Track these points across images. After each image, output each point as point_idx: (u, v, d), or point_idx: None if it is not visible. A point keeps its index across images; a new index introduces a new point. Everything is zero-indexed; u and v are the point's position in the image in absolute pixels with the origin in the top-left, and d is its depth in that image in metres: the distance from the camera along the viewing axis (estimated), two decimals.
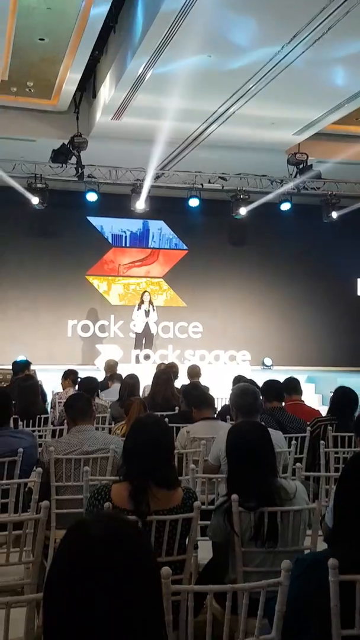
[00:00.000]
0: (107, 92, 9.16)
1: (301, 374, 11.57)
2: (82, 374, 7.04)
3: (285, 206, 12.33)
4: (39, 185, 11.32)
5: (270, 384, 4.68)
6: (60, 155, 10.10)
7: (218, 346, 13.11)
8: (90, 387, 5.61)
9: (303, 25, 6.70)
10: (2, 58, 8.17)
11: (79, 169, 10.44)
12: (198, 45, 7.19)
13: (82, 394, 4.11)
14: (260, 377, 5.85)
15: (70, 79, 8.91)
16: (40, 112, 9.97)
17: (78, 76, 8.89)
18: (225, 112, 9.27)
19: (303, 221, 13.10)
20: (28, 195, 11.27)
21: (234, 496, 2.41)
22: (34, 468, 3.38)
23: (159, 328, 13.15)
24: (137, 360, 11.46)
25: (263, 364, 12.91)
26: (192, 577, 2.77)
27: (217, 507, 2.55)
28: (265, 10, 6.55)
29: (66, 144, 9.99)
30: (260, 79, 8.12)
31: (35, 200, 11.37)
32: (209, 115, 9.44)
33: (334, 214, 12.33)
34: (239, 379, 6.08)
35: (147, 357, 11.47)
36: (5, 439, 3.62)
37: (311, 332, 13.80)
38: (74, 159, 10.19)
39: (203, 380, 8.15)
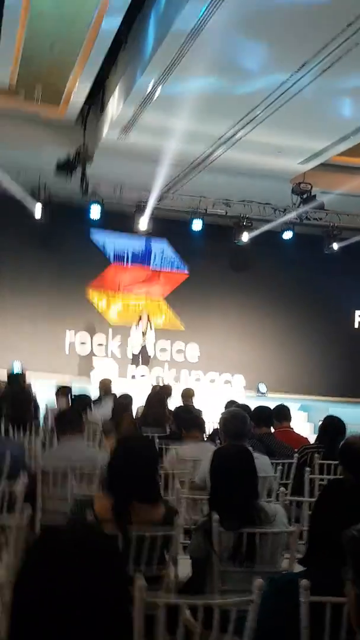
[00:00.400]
0: (115, 107, 9.21)
1: (294, 402, 11.56)
2: (78, 385, 6.97)
3: (287, 235, 12.39)
4: (42, 197, 11.34)
5: (261, 410, 4.71)
6: (65, 168, 10.14)
7: (214, 369, 13.07)
8: (83, 404, 5.54)
9: (313, 54, 6.75)
10: (12, 62, 8.18)
11: (84, 182, 10.47)
12: (207, 67, 7.24)
13: (72, 407, 4.06)
14: (253, 404, 5.81)
15: (79, 89, 8.95)
16: (47, 123, 9.99)
17: (87, 86, 8.93)
18: (232, 137, 9.32)
19: (304, 251, 13.14)
20: (30, 205, 11.29)
21: (215, 516, 2.38)
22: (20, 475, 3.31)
23: (155, 349, 13.10)
24: (133, 377, 11.42)
25: (258, 390, 12.84)
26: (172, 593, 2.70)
27: (198, 526, 2.52)
28: (276, 37, 6.62)
29: (71, 156, 10.02)
30: (268, 106, 8.18)
31: (37, 211, 11.38)
32: (215, 139, 9.49)
33: (335, 245, 12.38)
34: (231, 404, 6.04)
35: (142, 375, 11.41)
36: None
37: (307, 361, 13.76)
38: (79, 172, 10.21)
39: (196, 403, 8.11)
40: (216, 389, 11.90)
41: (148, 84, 7.92)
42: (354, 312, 14.27)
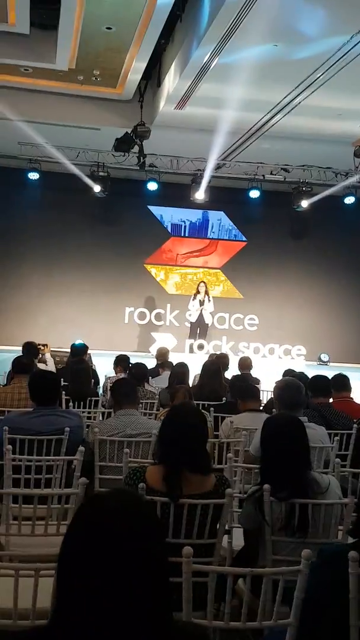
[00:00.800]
0: (171, 81, 9.19)
1: (358, 372, 11.42)
2: (137, 360, 7.15)
3: (350, 199, 12.06)
4: (101, 174, 11.51)
5: (318, 380, 4.65)
6: (123, 144, 10.22)
7: (273, 340, 13.01)
8: (139, 373, 5.71)
9: None
10: (70, 47, 8.32)
11: (141, 158, 10.55)
12: (264, 35, 7.12)
13: (128, 380, 4.22)
14: (314, 373, 5.76)
15: (135, 68, 9.00)
16: (105, 101, 10.12)
17: (143, 65, 8.97)
18: (290, 102, 9.13)
19: None
20: (90, 183, 11.48)
21: (266, 486, 2.44)
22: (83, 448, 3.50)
23: (214, 319, 13.18)
24: (191, 350, 11.53)
25: (319, 360, 12.72)
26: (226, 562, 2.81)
27: (249, 495, 2.59)
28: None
29: (129, 132, 10.10)
30: (327, 70, 7.96)
31: (97, 188, 11.58)
32: (273, 106, 9.33)
33: None
34: (288, 373, 6.04)
35: (200, 347, 11.52)
36: (53, 417, 3.75)
37: None
38: (136, 148, 10.30)
39: (255, 373, 8.16)
40: (275, 360, 11.88)
41: (204, 56, 7.85)
42: None
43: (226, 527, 2.97)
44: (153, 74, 10.09)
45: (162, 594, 1.10)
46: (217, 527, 2.51)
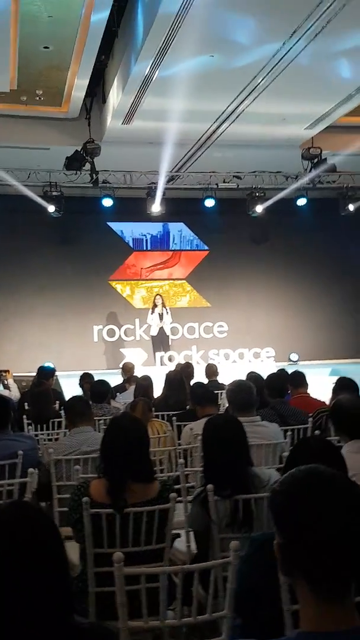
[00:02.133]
0: (115, 96, 9.26)
1: (325, 367, 11.56)
2: (107, 378, 7.10)
3: (302, 201, 12.27)
4: (54, 193, 11.50)
5: (273, 378, 4.70)
6: (74, 162, 10.24)
7: (243, 344, 13.09)
8: (100, 390, 5.67)
9: (301, 20, 6.68)
10: (9, 67, 8.33)
11: (94, 175, 10.57)
12: (200, 46, 7.23)
13: (81, 397, 4.19)
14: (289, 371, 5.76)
15: (78, 85, 9.04)
16: (51, 120, 10.13)
17: (85, 82, 9.02)
18: (234, 110, 9.28)
19: (320, 215, 13.00)
20: (44, 203, 11.46)
21: (209, 486, 2.47)
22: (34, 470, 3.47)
23: (184, 329, 13.21)
24: (162, 363, 11.53)
25: (289, 360, 12.84)
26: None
27: (194, 497, 2.61)
28: (261, 8, 6.57)
29: (79, 150, 10.13)
30: (265, 76, 8.11)
31: (51, 208, 11.56)
32: (218, 115, 9.46)
33: (351, 207, 12.22)
34: (251, 375, 6.07)
35: (170, 358, 11.53)
36: (4, 442, 3.70)
37: (335, 325, 13.68)
38: (88, 166, 10.32)
39: (225, 379, 8.19)
40: (245, 364, 11.94)
41: (144, 70, 7.94)
42: None
43: (183, 531, 2.99)
44: (97, 91, 10.16)
45: (59, 596, 1.11)
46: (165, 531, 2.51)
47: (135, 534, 2.45)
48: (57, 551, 1.15)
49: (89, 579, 2.44)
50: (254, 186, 12.15)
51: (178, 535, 2.93)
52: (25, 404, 6.13)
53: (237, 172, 11.96)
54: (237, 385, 3.81)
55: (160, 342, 11.98)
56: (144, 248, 13.80)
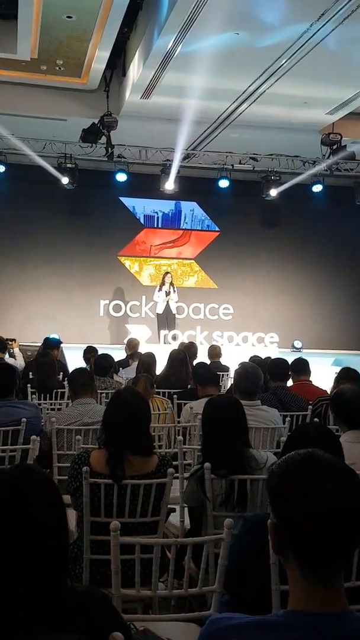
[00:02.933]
0: (135, 70, 9.17)
1: (329, 357, 11.58)
2: (111, 353, 7.14)
3: (317, 188, 12.16)
4: (68, 165, 11.43)
5: (276, 364, 4.74)
6: (90, 135, 10.17)
7: (248, 328, 13.14)
8: (104, 364, 5.71)
9: (331, 3, 6.56)
10: (31, 36, 8.25)
11: (109, 148, 10.50)
12: (225, 23, 7.12)
13: (85, 369, 4.25)
14: (289, 359, 5.80)
15: (99, 57, 8.95)
16: (70, 91, 10.05)
17: (107, 54, 8.92)
18: (255, 90, 9.17)
19: (335, 203, 12.91)
20: (58, 175, 11.41)
21: (207, 464, 2.51)
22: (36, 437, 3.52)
23: (189, 309, 13.23)
24: (166, 341, 11.57)
25: (293, 347, 12.85)
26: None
27: (191, 474, 2.66)
28: None
29: (96, 123, 10.05)
30: (290, 57, 7.99)
31: (65, 180, 11.51)
32: (239, 94, 9.35)
33: None
34: (253, 359, 6.11)
35: (174, 337, 11.57)
36: (8, 409, 3.76)
37: (341, 315, 13.67)
38: (103, 139, 10.25)
39: (227, 361, 8.23)
40: (249, 348, 11.97)
41: (167, 45, 7.84)
42: None
43: (178, 507, 3.05)
44: (118, 64, 10.05)
45: (56, 560, 1.15)
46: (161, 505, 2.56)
47: (131, 506, 2.51)
48: (58, 513, 1.18)
49: (84, 546, 2.49)
50: (269, 169, 12.04)
51: (173, 510, 2.99)
52: (30, 373, 6.20)
53: (254, 154, 11.85)
54: (245, 371, 3.85)
55: (166, 320, 12.00)
56: (155, 225, 13.76)
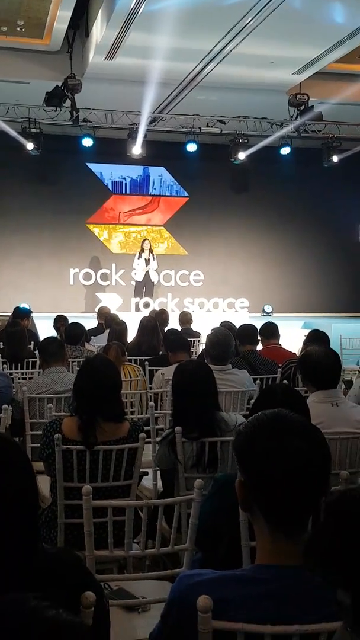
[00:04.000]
0: (99, 30, 8.91)
1: (298, 320, 11.73)
2: (82, 321, 7.09)
3: (285, 150, 12.10)
4: (33, 130, 11.14)
5: (245, 329, 4.78)
6: (54, 98, 9.91)
7: (218, 294, 13.18)
8: (74, 332, 5.69)
9: None
10: None
11: (74, 112, 10.26)
12: None
13: (55, 338, 4.22)
14: (259, 324, 5.86)
15: (61, 17, 8.66)
16: (32, 52, 9.73)
17: (69, 13, 8.64)
18: (221, 50, 9.00)
19: (303, 166, 12.88)
20: (22, 140, 11.13)
21: (178, 428, 2.55)
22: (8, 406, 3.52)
23: (160, 276, 13.19)
24: (137, 308, 11.55)
25: (263, 311, 12.97)
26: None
27: (162, 438, 2.70)
28: None
29: (60, 86, 9.79)
30: (255, 15, 7.84)
31: (30, 145, 11.23)
32: (204, 54, 9.18)
33: (335, 158, 12.07)
34: (225, 325, 6.13)
35: (146, 305, 11.55)
36: None
37: (311, 279, 13.77)
38: (68, 102, 10.00)
39: (198, 327, 8.27)
40: (219, 313, 12.03)
41: (130, 3, 7.62)
42: (358, 226, 14.09)
43: (151, 470, 3.10)
44: (81, 24, 9.74)
45: (26, 524, 1.16)
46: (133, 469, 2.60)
47: (104, 470, 2.54)
48: (27, 478, 1.18)
49: (58, 511, 2.52)
50: (237, 132, 11.92)
51: (146, 474, 3.03)
52: (0, 343, 6.14)
53: (221, 117, 11.71)
54: (216, 337, 3.89)
55: (144, 287, 11.97)
56: (123, 192, 13.57)
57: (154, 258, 12.03)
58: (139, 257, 12.06)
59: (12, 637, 0.55)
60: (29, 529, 1.17)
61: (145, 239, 12.42)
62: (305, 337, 4.73)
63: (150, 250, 12.06)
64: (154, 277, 12.13)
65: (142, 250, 12.06)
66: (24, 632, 0.55)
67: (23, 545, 1.14)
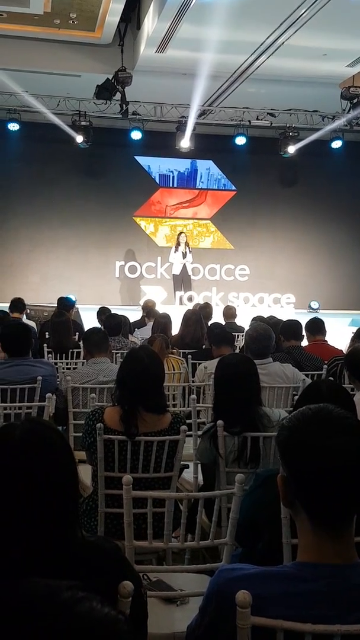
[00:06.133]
0: (150, 22, 8.91)
1: (346, 317, 11.50)
2: (125, 314, 7.13)
3: (337, 144, 11.87)
4: (83, 123, 11.26)
5: (289, 324, 4.72)
6: (104, 91, 9.97)
7: (264, 289, 13.05)
8: (112, 323, 5.70)
9: None
10: None
11: (124, 105, 10.31)
12: None
13: (100, 329, 4.25)
14: (305, 320, 5.78)
15: (113, 10, 8.71)
16: (84, 46, 9.82)
17: (121, 6, 8.68)
18: (273, 42, 8.87)
19: (355, 159, 12.62)
20: (72, 133, 11.26)
21: (219, 422, 2.52)
22: (52, 395, 3.57)
23: (205, 270, 13.16)
24: (181, 302, 11.56)
25: (309, 307, 12.78)
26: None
27: (204, 432, 2.68)
28: None
29: (110, 79, 9.85)
30: (309, 7, 7.70)
31: (79, 138, 11.36)
32: (256, 47, 9.07)
33: None
34: (258, 319, 6.06)
35: (190, 298, 11.55)
36: (25, 367, 3.80)
37: (359, 276, 13.49)
38: (118, 95, 10.05)
39: (242, 322, 8.21)
40: (265, 309, 11.91)
41: None
42: None
43: (192, 463, 3.09)
44: (132, 16, 9.77)
45: (65, 509, 1.16)
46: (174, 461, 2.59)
47: (145, 461, 2.54)
48: (67, 464, 1.19)
49: (99, 500, 2.54)
50: (287, 125, 11.75)
51: (187, 467, 3.02)
52: (46, 333, 6.24)
53: (272, 110, 11.56)
54: (256, 332, 3.84)
55: (182, 281, 11.97)
56: (170, 185, 13.58)
57: (189, 251, 11.99)
58: (176, 250, 12.04)
59: (39, 634, 0.51)
60: (69, 514, 1.17)
61: (182, 232, 12.37)
62: (353, 334, 4.63)
63: (187, 244, 12.02)
64: (190, 270, 12.10)
65: (179, 244, 12.03)
66: (52, 628, 0.51)
67: (63, 530, 1.15)
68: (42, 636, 0.50)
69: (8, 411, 3.34)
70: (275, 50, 9.05)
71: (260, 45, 8.99)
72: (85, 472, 2.83)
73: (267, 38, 8.75)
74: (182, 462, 2.68)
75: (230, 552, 1.94)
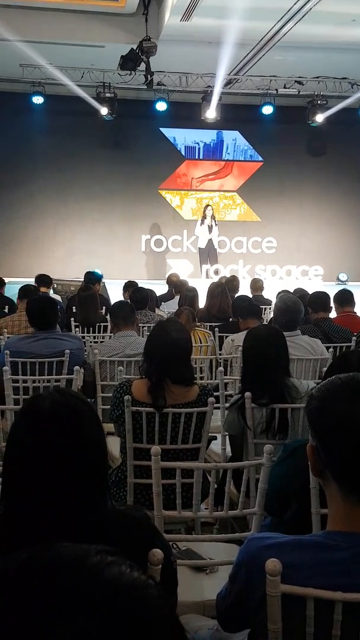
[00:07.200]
0: None
1: None
2: (152, 287, 7.13)
3: None
4: (107, 95, 11.15)
5: (317, 296, 4.67)
6: (128, 62, 9.82)
7: (291, 261, 12.91)
8: (137, 297, 5.70)
9: None
10: None
11: (148, 76, 10.16)
12: None
13: (126, 302, 4.25)
14: (333, 292, 5.70)
15: None
16: (107, 15, 9.66)
17: None
18: (301, 8, 8.62)
19: None
20: (97, 105, 11.17)
21: (247, 393, 2.52)
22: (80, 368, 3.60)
23: (232, 243, 13.05)
24: (207, 275, 11.50)
25: (338, 279, 12.62)
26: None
27: (231, 403, 2.68)
28: None
29: (135, 49, 9.68)
30: None
31: (104, 110, 11.26)
32: (283, 13, 8.82)
33: None
34: (283, 293, 6.00)
35: (216, 272, 11.48)
36: (52, 341, 3.83)
37: None
38: (143, 66, 9.90)
39: (269, 295, 8.15)
40: (292, 281, 11.80)
41: None
42: None
43: (220, 435, 3.10)
44: None
45: (98, 481, 1.17)
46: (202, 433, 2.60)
47: (173, 433, 2.56)
48: (96, 432, 1.20)
49: (128, 471, 2.57)
50: (316, 93, 11.47)
51: (215, 438, 3.04)
52: (73, 307, 6.29)
53: (299, 77, 11.29)
54: (285, 304, 3.82)
55: (208, 254, 11.89)
56: (196, 157, 13.42)
57: (215, 224, 11.87)
58: (202, 223, 11.93)
59: (67, 597, 0.49)
60: (98, 484, 1.19)
61: (208, 205, 12.23)
62: None
63: (213, 217, 11.90)
64: (216, 244, 12.00)
65: (205, 217, 11.91)
66: (80, 592, 0.50)
67: (93, 499, 1.16)
68: (71, 600, 0.49)
69: (37, 384, 3.38)
70: (303, 16, 8.79)
71: (288, 11, 8.74)
72: (114, 444, 2.86)
73: (295, 4, 8.50)
74: (210, 434, 2.69)
75: (259, 521, 1.95)
